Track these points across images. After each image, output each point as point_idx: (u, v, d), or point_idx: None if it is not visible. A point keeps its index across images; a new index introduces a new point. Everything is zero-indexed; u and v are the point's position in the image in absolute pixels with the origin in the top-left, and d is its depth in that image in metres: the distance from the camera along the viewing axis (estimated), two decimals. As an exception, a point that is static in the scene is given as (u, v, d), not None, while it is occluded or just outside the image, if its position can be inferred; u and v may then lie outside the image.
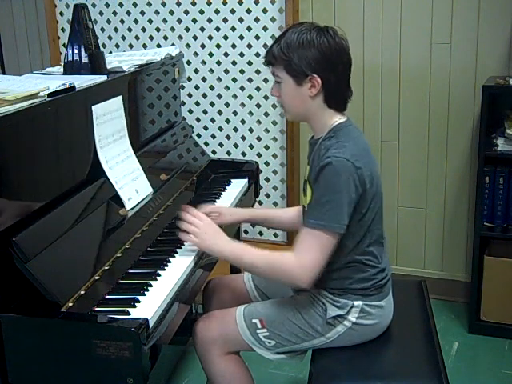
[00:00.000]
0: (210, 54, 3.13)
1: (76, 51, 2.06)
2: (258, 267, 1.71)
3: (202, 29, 3.12)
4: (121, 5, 3.23)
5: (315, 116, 1.72)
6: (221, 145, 3.22)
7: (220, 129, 3.20)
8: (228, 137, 3.20)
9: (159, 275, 1.68)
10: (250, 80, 3.08)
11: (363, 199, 1.66)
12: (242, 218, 2.10)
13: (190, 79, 3.16)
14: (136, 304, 1.52)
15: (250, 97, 3.10)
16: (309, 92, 1.67)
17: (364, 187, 1.65)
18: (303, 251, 1.63)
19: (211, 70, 3.15)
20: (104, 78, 1.99)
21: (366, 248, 1.71)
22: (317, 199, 1.63)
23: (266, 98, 3.07)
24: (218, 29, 3.08)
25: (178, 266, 1.74)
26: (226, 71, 3.12)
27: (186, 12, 3.13)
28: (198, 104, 3.21)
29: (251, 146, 3.16)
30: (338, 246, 1.66)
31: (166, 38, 3.20)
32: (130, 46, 3.27)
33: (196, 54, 3.15)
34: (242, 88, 3.11)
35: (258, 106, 3.10)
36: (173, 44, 3.11)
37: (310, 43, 1.63)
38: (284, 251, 1.69)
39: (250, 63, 3.06)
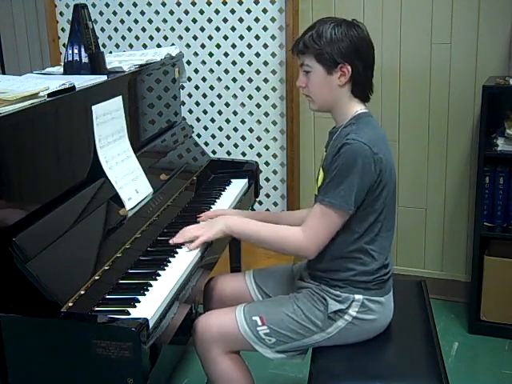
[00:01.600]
0: (210, 54, 3.13)
1: (76, 51, 2.06)
2: (266, 238, 1.80)
3: (202, 29, 3.12)
4: (121, 5, 3.23)
5: (340, 105, 1.78)
6: (221, 145, 3.22)
7: (220, 129, 3.20)
8: (228, 137, 3.20)
9: (159, 275, 1.68)
10: (249, 80, 3.08)
11: (376, 185, 1.69)
12: None
13: (190, 79, 3.16)
14: (136, 304, 1.52)
15: (250, 97, 3.10)
16: (338, 81, 1.73)
17: (379, 173, 1.68)
18: (311, 226, 1.72)
19: (211, 70, 3.15)
20: (104, 77, 1.99)
21: (374, 237, 1.74)
22: (332, 179, 1.68)
23: (265, 97, 3.07)
24: (217, 29, 3.09)
25: (178, 266, 1.74)
26: (226, 71, 3.12)
27: (186, 12, 3.13)
28: (198, 104, 3.21)
29: (251, 146, 3.16)
30: (347, 230, 1.71)
31: (166, 38, 3.20)
32: (130, 46, 3.27)
33: (196, 54, 3.16)
34: (242, 88, 3.11)
35: (258, 106, 3.10)
36: (173, 44, 3.12)
37: (341, 34, 1.71)
38: (291, 226, 1.79)
39: (250, 63, 3.06)
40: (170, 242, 1.85)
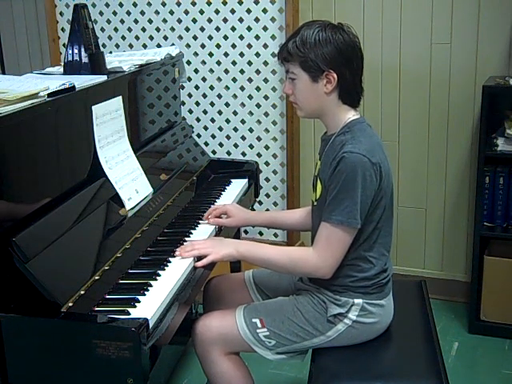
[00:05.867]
0: (210, 54, 3.13)
1: (76, 51, 2.06)
2: (279, 262, 1.74)
3: (202, 29, 3.12)
4: (121, 5, 3.23)
5: (329, 112, 1.73)
6: (221, 145, 3.22)
7: (220, 129, 3.20)
8: (228, 137, 3.20)
9: (159, 275, 1.68)
10: (249, 80, 3.08)
11: (376, 195, 1.67)
12: (247, 223, 2.11)
13: (190, 79, 3.16)
14: (136, 304, 1.52)
15: (250, 97, 3.10)
16: (324, 88, 1.68)
17: (379, 183, 1.66)
18: (324, 246, 1.67)
19: (211, 70, 3.15)
20: (104, 77, 1.99)
21: (372, 244, 1.72)
22: (334, 195, 1.64)
23: (265, 98, 3.07)
24: (218, 29, 3.09)
25: (178, 266, 1.74)
26: (226, 71, 3.12)
27: (186, 12, 3.13)
28: (198, 104, 3.21)
29: (251, 146, 3.16)
30: None
31: (166, 38, 3.20)
32: (130, 46, 3.27)
33: (196, 54, 3.16)
34: (242, 88, 3.11)
35: (258, 106, 3.10)
36: (173, 44, 3.12)
37: (325, 40, 1.65)
38: (302, 247, 1.71)
39: (249, 63, 3.06)
40: (177, 253, 1.78)
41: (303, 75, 1.68)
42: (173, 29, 3.17)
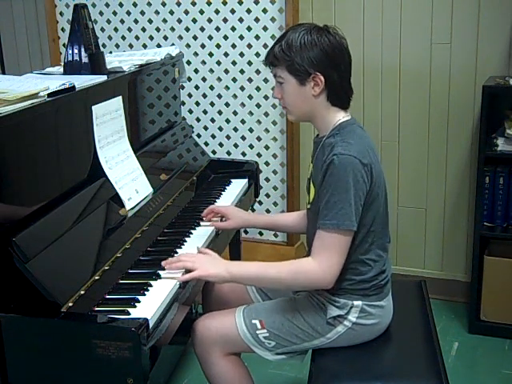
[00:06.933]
0: (210, 54, 3.13)
1: (76, 51, 2.06)
2: (282, 279, 1.67)
3: (202, 29, 3.12)
4: (121, 5, 3.23)
5: (319, 115, 1.73)
6: (221, 145, 3.22)
7: (220, 129, 3.20)
8: (228, 137, 3.20)
9: (159, 275, 1.68)
10: (250, 80, 3.08)
11: (368, 196, 1.66)
12: (246, 225, 2.11)
13: (190, 79, 3.16)
14: (136, 304, 1.52)
15: (250, 97, 3.10)
16: (312, 91, 1.67)
17: (370, 184, 1.65)
18: (322, 254, 1.63)
19: (211, 70, 3.15)
20: (104, 78, 1.99)
21: (368, 247, 1.71)
22: (327, 199, 1.62)
23: (265, 97, 3.07)
24: (218, 29, 3.08)
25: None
26: (226, 71, 3.12)
27: (186, 12, 3.13)
28: (198, 104, 3.21)
29: (251, 146, 3.16)
30: None
31: (166, 38, 3.20)
32: (130, 46, 3.27)
33: (196, 54, 3.15)
34: (242, 88, 3.10)
35: (258, 105, 3.10)
36: (173, 44, 3.11)
37: (311, 43, 1.64)
38: (299, 258, 1.68)
39: (249, 63, 3.06)
40: (163, 264, 1.71)
41: (290, 79, 1.68)
42: (173, 29, 3.17)
